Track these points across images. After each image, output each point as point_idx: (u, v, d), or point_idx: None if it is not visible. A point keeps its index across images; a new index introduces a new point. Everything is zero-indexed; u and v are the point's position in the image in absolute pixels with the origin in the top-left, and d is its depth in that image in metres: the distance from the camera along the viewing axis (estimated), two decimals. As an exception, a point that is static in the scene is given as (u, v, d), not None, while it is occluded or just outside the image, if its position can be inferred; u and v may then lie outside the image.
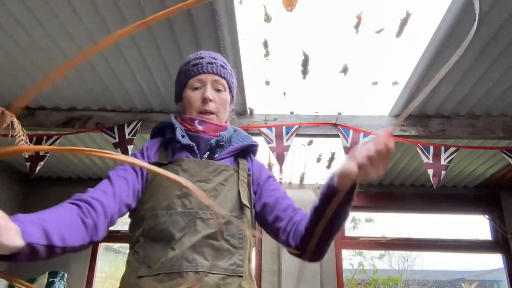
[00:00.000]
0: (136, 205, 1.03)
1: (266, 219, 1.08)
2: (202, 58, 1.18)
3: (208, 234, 0.96)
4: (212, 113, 1.14)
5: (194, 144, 1.10)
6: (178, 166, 1.05)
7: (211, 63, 1.17)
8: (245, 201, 1.04)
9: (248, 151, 1.21)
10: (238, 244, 0.99)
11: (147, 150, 1.12)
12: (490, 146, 2.46)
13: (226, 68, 1.20)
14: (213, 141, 1.11)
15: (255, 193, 1.13)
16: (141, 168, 1.05)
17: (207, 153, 1.12)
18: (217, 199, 1.01)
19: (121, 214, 0.99)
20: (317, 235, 0.90)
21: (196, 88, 1.15)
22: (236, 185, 1.06)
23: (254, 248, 1.02)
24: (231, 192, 1.04)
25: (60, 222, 0.80)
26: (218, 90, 1.17)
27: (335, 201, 0.84)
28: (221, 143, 1.13)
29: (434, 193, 3.35)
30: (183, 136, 1.10)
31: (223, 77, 1.18)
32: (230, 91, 1.22)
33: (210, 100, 1.14)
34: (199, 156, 1.10)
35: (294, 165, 3.11)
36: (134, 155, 1.11)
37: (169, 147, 1.13)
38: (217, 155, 1.12)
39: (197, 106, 1.14)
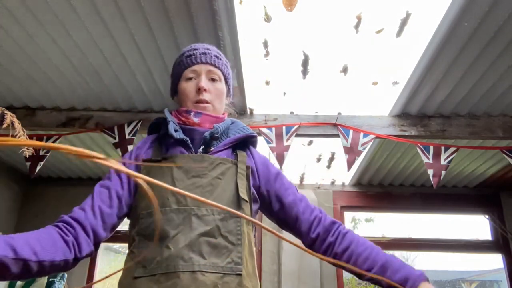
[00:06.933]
0: (132, 206, 1.02)
1: (286, 220, 1.08)
2: (195, 49, 1.16)
3: (204, 231, 0.92)
4: (207, 102, 1.11)
5: (187, 139, 1.07)
6: (171, 162, 1.02)
7: (204, 53, 1.15)
8: (243, 195, 1.00)
9: (247, 143, 1.17)
10: (236, 240, 0.95)
11: (137, 150, 1.09)
12: (490, 146, 2.46)
13: (220, 59, 1.18)
14: (207, 133, 1.07)
15: (259, 188, 1.10)
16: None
17: (202, 146, 1.08)
18: (213, 194, 0.97)
19: (111, 225, 0.99)
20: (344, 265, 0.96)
21: (190, 79, 1.13)
22: (233, 179, 1.02)
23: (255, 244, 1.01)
24: (228, 186, 1.01)
25: (31, 238, 0.81)
26: (213, 80, 1.14)
27: None
28: (216, 135, 1.09)
29: (434, 193, 3.35)
30: (176, 131, 1.07)
31: (218, 67, 1.16)
32: (226, 82, 1.19)
33: (205, 90, 1.11)
34: (193, 150, 1.07)
35: (295, 165, 3.11)
36: (123, 158, 1.10)
37: (163, 142, 1.10)
38: (213, 148, 1.08)
39: (192, 97, 1.11)
